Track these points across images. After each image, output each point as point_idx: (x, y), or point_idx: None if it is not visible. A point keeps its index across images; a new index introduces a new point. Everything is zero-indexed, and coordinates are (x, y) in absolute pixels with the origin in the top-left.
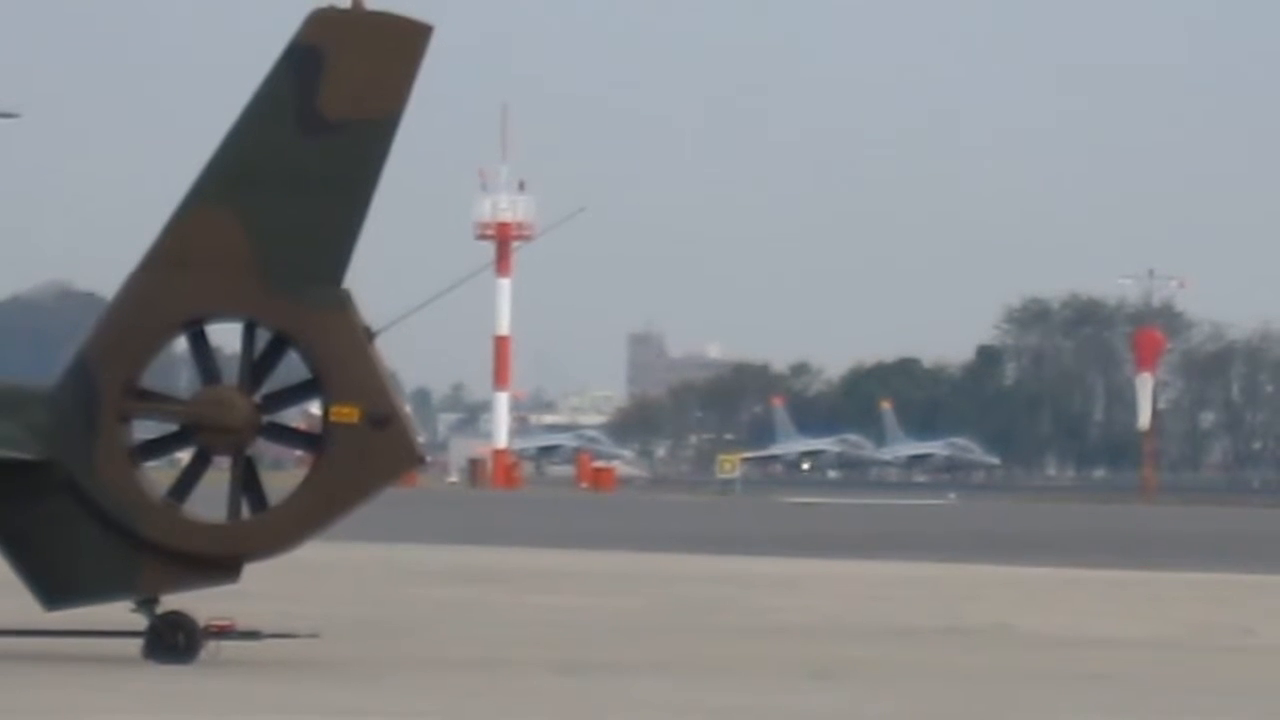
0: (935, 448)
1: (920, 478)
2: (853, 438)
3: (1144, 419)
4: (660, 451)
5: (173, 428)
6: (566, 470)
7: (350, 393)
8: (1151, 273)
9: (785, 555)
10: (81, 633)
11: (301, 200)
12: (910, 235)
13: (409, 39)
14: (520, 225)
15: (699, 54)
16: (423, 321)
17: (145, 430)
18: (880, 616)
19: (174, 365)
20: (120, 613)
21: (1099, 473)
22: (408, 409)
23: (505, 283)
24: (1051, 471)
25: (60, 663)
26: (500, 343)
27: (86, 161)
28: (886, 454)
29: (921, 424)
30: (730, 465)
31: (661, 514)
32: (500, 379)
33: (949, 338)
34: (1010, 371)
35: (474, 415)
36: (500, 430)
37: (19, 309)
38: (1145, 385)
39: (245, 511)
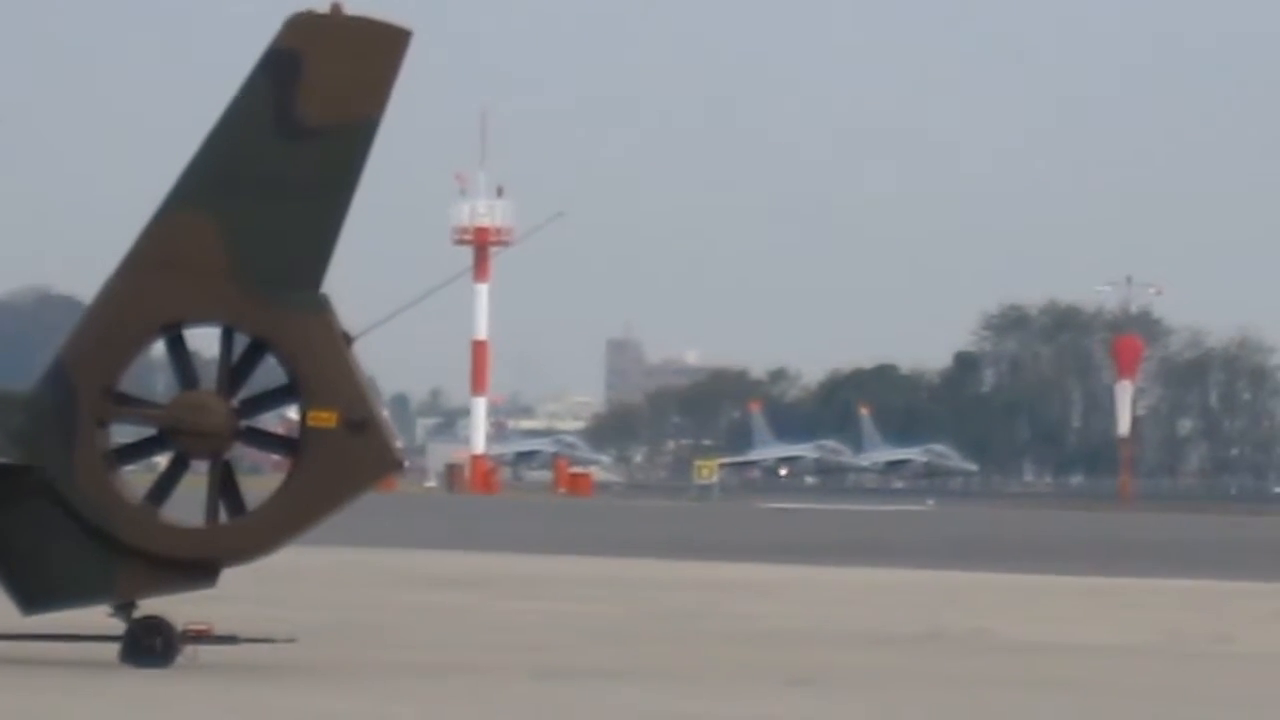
0: (913, 454)
1: (898, 484)
2: (830, 444)
3: (1124, 426)
4: (638, 457)
5: (151, 432)
6: (544, 475)
7: (328, 397)
8: (1129, 280)
9: (763, 561)
10: (59, 637)
11: (280, 205)
12: (888, 242)
13: (388, 44)
14: (499, 230)
15: (678, 61)
16: (401, 326)
17: (123, 434)
18: (858, 622)
19: (151, 369)
20: (98, 617)
21: (1076, 479)
22: (386, 414)
23: (483, 288)
24: (1029, 478)
25: (38, 667)
26: (478, 348)
27: (65, 165)
28: (864, 460)
29: (899, 430)
30: (708, 471)
31: (639, 520)
32: (478, 384)
33: (927, 344)
34: (988, 378)
35: (452, 420)
36: (478, 435)
37: None
38: (1125, 392)
39: (223, 516)
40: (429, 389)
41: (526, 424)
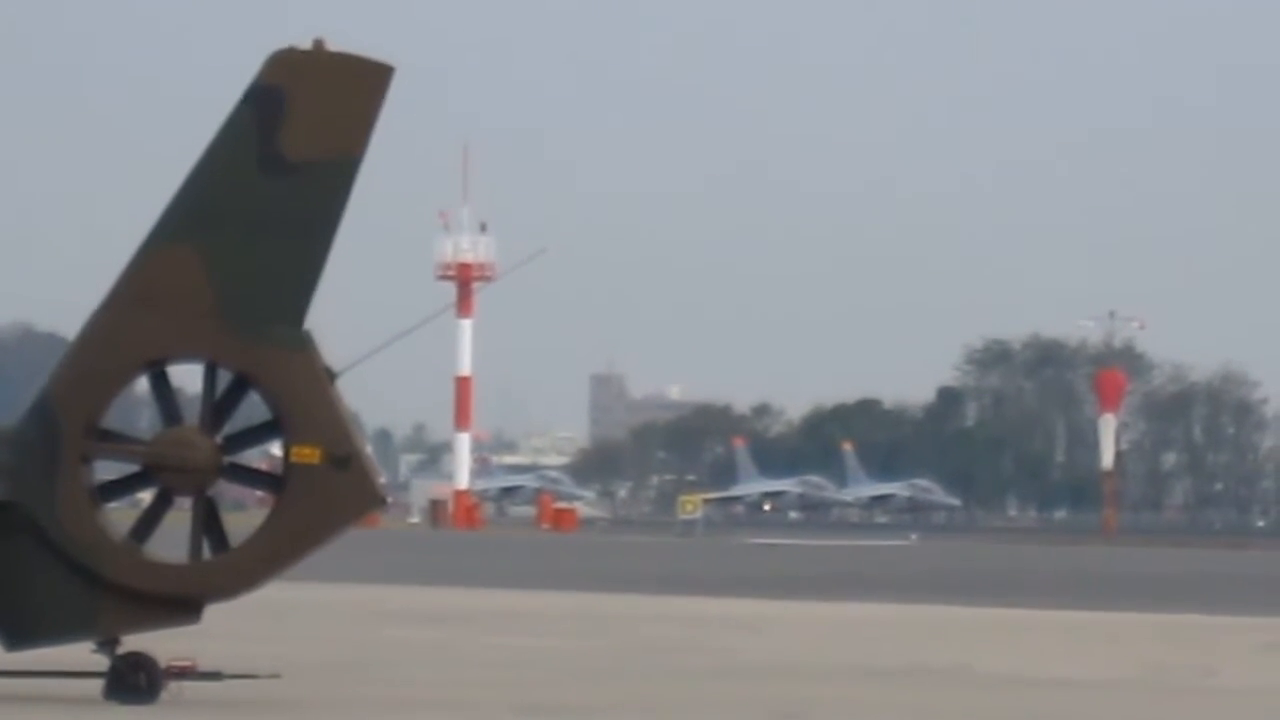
0: (896, 489)
1: (881, 518)
2: (814, 479)
3: (1107, 460)
4: (622, 492)
5: (134, 468)
6: (528, 511)
7: (311, 433)
8: (1112, 314)
9: (747, 596)
10: (43, 674)
11: (263, 241)
12: (871, 277)
13: (370, 80)
14: (481, 266)
15: (662, 98)
16: (384, 362)
17: (107, 471)
18: (842, 657)
19: (135, 406)
20: (82, 653)
21: (1060, 514)
22: (369, 450)
23: (467, 324)
24: (1013, 512)
25: (22, 704)
26: (462, 383)
27: (48, 201)
28: (848, 495)
29: (883, 465)
30: (692, 506)
31: (623, 555)
32: (462, 420)
33: (910, 379)
34: (971, 412)
35: (435, 456)
36: (462, 471)
37: None
38: (1108, 426)
39: (206, 552)
40: (412, 424)
41: (510, 459)
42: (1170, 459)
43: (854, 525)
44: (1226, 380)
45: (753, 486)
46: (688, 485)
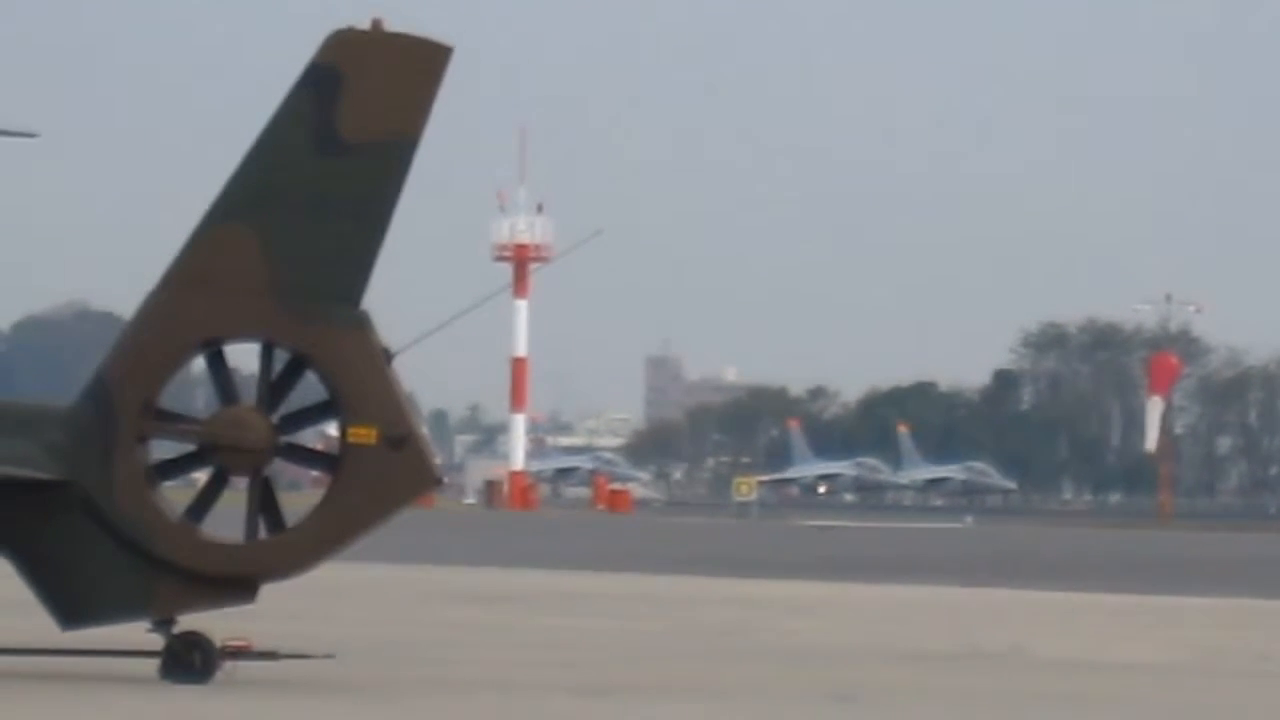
0: (952, 471)
1: (937, 501)
2: (869, 461)
3: (1151, 442)
4: (677, 474)
5: (190, 448)
6: (583, 492)
7: (368, 414)
8: (1169, 298)
9: (802, 579)
10: (99, 652)
11: (320, 221)
12: (927, 259)
13: (428, 60)
14: (538, 247)
15: (717, 78)
16: (440, 343)
17: (163, 450)
18: (897, 640)
19: (191, 385)
20: (137, 632)
21: (1115, 497)
22: (425, 430)
23: (523, 304)
24: (1068, 496)
25: (77, 683)
26: (517, 364)
27: (105, 180)
28: (903, 478)
29: (938, 448)
30: (747, 488)
31: (678, 536)
32: (517, 401)
33: (966, 361)
34: (1027, 396)
35: (491, 437)
36: (517, 452)
37: (36, 328)
38: (1155, 408)
39: (262, 532)
40: (468, 405)
41: (565, 441)
42: (1225, 443)
43: (909, 508)
44: None
45: (808, 469)
46: (743, 467)
